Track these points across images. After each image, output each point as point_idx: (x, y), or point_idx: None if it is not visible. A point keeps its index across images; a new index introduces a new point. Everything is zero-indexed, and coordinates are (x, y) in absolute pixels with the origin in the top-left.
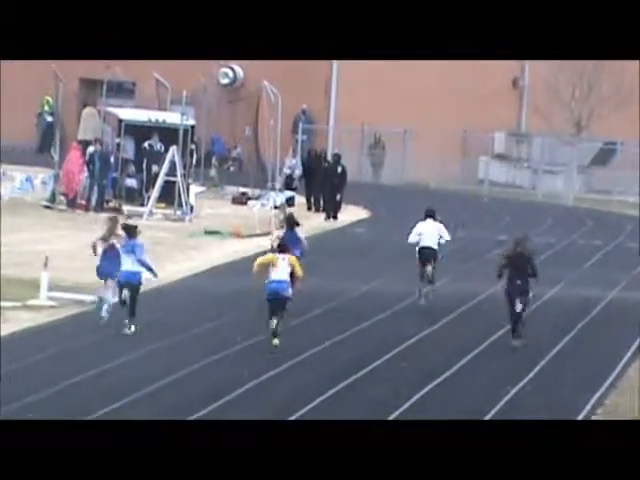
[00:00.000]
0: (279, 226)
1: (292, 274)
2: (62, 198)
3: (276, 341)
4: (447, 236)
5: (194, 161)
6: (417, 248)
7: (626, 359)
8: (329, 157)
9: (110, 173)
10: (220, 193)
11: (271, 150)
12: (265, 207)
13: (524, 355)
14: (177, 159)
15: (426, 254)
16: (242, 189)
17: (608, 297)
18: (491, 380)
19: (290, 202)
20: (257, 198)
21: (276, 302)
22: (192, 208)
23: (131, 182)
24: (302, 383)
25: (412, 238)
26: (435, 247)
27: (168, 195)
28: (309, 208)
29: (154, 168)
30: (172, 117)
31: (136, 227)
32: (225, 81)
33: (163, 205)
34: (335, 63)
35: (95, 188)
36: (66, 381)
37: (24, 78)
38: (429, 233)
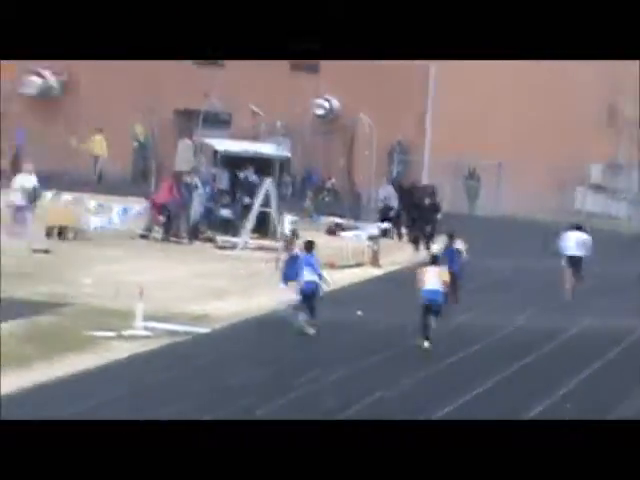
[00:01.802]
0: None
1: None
2: (157, 228)
3: (427, 344)
4: (590, 245)
5: (289, 192)
6: (565, 256)
7: None
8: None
9: (204, 204)
10: (314, 224)
11: (366, 181)
12: (359, 238)
13: None
14: (272, 190)
15: (573, 261)
16: (336, 220)
17: None
18: None
19: (385, 233)
20: (351, 229)
21: (429, 308)
22: None
23: (226, 212)
24: None
25: (561, 246)
26: (581, 255)
27: (262, 226)
28: (400, 239)
29: (247, 199)
30: (267, 148)
31: (313, 243)
32: (320, 112)
33: (257, 236)
34: (430, 95)
35: (190, 219)
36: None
37: (119, 108)
38: (575, 243)
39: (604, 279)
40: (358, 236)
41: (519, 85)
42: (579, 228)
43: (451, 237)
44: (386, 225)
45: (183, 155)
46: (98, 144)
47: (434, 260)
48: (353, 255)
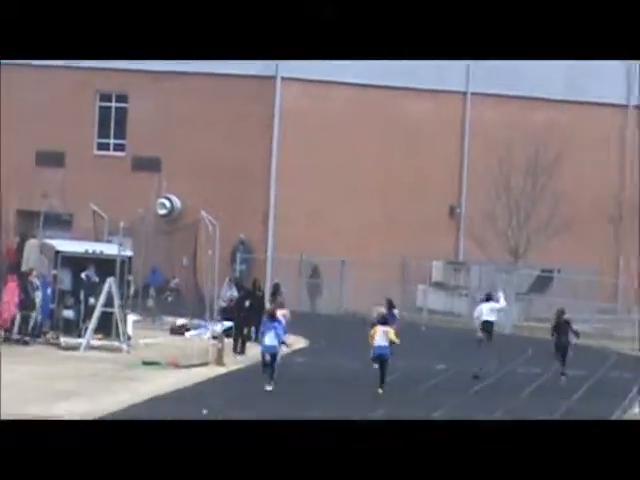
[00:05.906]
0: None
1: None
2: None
3: (380, 390)
4: (502, 304)
5: (132, 292)
6: (479, 322)
7: None
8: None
9: (47, 304)
10: (158, 323)
11: (209, 280)
12: (203, 337)
13: None
14: (114, 290)
15: (486, 326)
16: (180, 320)
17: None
18: None
19: (228, 332)
20: (195, 328)
21: (379, 360)
22: (130, 338)
23: (68, 313)
24: None
25: (476, 314)
26: (492, 320)
27: (105, 326)
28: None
29: (91, 299)
30: (109, 248)
31: (275, 311)
32: (163, 212)
33: (100, 336)
34: (273, 194)
35: (31, 320)
36: None
37: None
38: (487, 310)
39: (446, 376)
40: (202, 335)
41: (362, 181)
42: (490, 298)
43: (390, 304)
44: (230, 324)
45: (30, 255)
46: None
47: (383, 321)
48: (198, 354)
